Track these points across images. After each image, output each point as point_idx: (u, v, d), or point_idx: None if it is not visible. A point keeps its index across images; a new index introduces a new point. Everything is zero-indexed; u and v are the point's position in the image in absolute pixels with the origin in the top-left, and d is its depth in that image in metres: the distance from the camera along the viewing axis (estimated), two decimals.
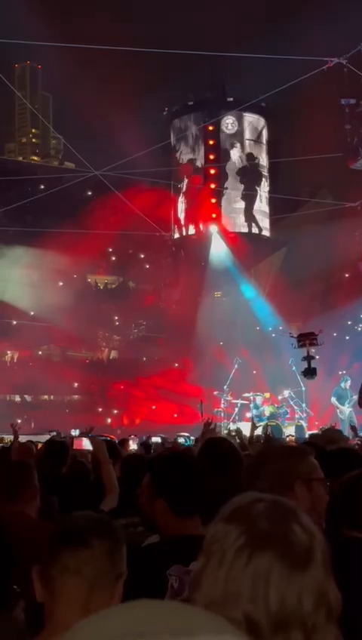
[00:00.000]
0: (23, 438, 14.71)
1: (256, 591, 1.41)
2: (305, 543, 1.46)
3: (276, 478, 2.79)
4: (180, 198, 48.84)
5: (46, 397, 40.33)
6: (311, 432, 20.27)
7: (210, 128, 47.81)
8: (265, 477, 2.80)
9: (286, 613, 1.40)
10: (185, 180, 48.62)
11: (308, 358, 22.46)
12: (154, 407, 39.72)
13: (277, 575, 1.40)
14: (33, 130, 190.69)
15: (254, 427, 16.13)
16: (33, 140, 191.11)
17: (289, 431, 26.25)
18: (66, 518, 2.42)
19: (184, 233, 48.73)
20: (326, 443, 5.44)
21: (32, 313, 40.06)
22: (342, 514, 3.71)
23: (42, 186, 41.68)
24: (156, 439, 15.52)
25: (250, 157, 49.14)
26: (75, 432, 19.93)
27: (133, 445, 16.03)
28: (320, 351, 24.75)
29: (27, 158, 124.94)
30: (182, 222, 48.84)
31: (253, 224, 48.75)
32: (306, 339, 22.58)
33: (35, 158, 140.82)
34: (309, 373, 22.76)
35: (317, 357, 25.22)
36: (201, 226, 47.46)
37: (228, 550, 1.46)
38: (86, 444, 8.16)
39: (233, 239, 46.02)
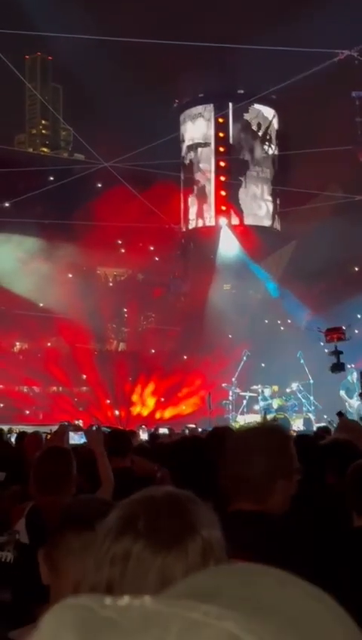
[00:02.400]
0: (30, 429, 14.79)
1: (114, 573, 1.40)
2: (176, 529, 1.44)
3: (263, 470, 2.76)
4: (190, 190, 48.79)
5: (55, 388, 40.38)
6: (318, 425, 20.29)
7: (220, 120, 47.73)
8: (253, 469, 2.78)
9: (145, 592, 1.39)
10: (197, 172, 48.58)
11: (337, 352, 22.42)
12: (162, 399, 39.78)
13: (136, 557, 1.39)
14: (43, 122, 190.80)
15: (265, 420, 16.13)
16: (43, 132, 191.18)
17: (297, 424, 26.30)
18: (71, 501, 2.43)
19: (193, 226, 48.70)
20: (347, 432, 5.41)
21: (41, 305, 40.11)
22: (352, 503, 3.72)
23: (52, 178, 41.66)
24: (164, 430, 15.57)
25: (261, 149, 49.06)
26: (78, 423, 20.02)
27: (143, 435, 16.11)
28: (329, 344, 24.69)
29: (37, 150, 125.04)
30: (192, 214, 48.81)
31: (268, 216, 48.73)
32: (334, 333, 22.56)
33: (45, 149, 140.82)
34: (337, 368, 22.74)
35: (326, 350, 25.24)
36: (211, 219, 47.44)
37: (102, 533, 1.48)
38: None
39: (242, 232, 46.00)
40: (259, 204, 48.82)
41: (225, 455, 2.90)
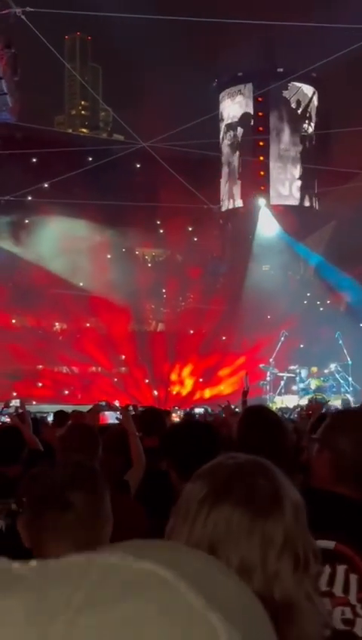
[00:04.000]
0: (69, 409, 14.88)
1: (215, 539, 1.44)
2: (269, 492, 1.50)
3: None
4: (228, 170, 48.57)
5: (93, 368, 40.61)
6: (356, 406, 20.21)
7: (259, 99, 47.42)
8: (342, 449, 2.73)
9: (248, 559, 1.43)
10: (236, 153, 48.35)
11: None
12: (201, 379, 39.84)
13: (236, 523, 1.44)
14: (83, 102, 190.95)
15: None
16: (82, 112, 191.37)
17: (335, 405, 26.20)
18: (45, 473, 2.40)
19: (232, 206, 48.53)
20: None
21: (80, 285, 40.32)
22: None
23: (90, 158, 41.70)
24: (199, 410, 15.59)
25: (300, 128, 48.66)
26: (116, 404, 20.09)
27: (175, 417, 16.14)
28: None
29: (76, 130, 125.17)
30: (231, 194, 48.62)
31: (306, 196, 48.38)
32: None
33: (84, 130, 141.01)
34: None
35: None
36: (250, 199, 47.23)
37: (191, 505, 1.51)
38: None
39: (281, 212, 45.75)
40: (287, 183, 48.44)
41: (330, 431, 2.84)
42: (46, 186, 39.77)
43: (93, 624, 0.48)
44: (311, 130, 49.20)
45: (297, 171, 48.31)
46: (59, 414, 11.73)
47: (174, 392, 39.33)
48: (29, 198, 40.28)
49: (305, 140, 48.91)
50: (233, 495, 1.49)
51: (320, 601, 1.52)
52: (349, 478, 2.63)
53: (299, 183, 48.52)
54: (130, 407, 7.95)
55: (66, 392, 37.45)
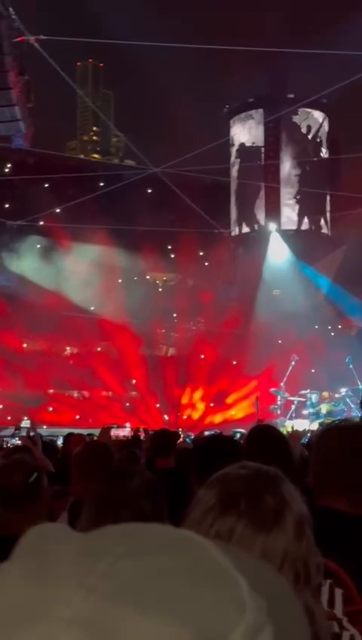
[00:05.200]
0: (79, 433, 14.90)
1: None
2: (273, 507, 1.53)
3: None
4: (239, 195, 48.75)
5: (104, 393, 40.61)
6: None
7: (270, 125, 47.65)
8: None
9: None
10: (246, 178, 48.51)
11: None
12: (212, 404, 39.77)
13: (238, 534, 1.47)
14: (94, 128, 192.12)
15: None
16: (94, 138, 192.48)
17: None
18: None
19: (242, 231, 48.67)
20: None
21: (92, 308, 40.41)
22: None
23: (102, 184, 41.96)
24: (209, 433, 15.56)
25: (313, 153, 48.83)
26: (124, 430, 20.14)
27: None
28: None
29: (88, 156, 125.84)
30: (241, 219, 48.76)
31: (310, 221, 48.44)
32: None
33: (96, 155, 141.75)
34: None
35: None
36: (260, 224, 47.36)
37: (197, 512, 1.54)
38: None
39: (292, 236, 45.84)
40: (298, 208, 48.56)
41: (318, 448, 2.88)
42: (58, 210, 39.98)
43: (131, 567, 0.54)
44: (322, 155, 49.36)
45: (293, 194, 48.37)
46: (68, 438, 11.76)
47: (185, 417, 39.26)
48: (41, 222, 40.54)
49: (316, 165, 49.06)
50: (238, 507, 1.52)
51: (320, 612, 1.55)
52: (335, 492, 2.66)
53: (299, 207, 48.46)
54: (141, 430, 8.01)
55: (77, 417, 37.41)
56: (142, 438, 14.21)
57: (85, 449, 4.83)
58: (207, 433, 16.48)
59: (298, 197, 48.18)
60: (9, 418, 32.60)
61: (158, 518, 2.28)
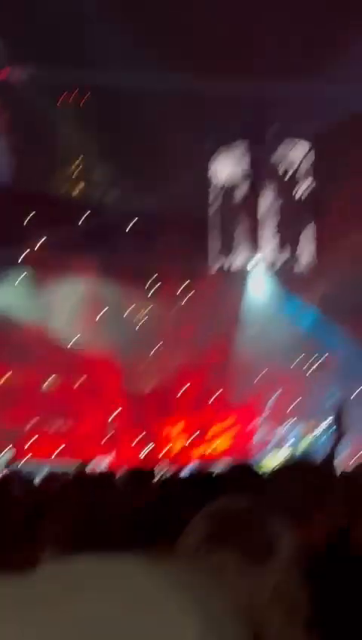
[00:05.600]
0: (59, 468, 14.77)
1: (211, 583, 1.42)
2: (265, 543, 1.53)
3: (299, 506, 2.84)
4: (220, 229, 48.90)
5: (84, 426, 40.40)
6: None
7: (252, 159, 47.90)
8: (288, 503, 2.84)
9: (237, 604, 1.42)
10: (228, 213, 48.70)
11: None
12: (192, 438, 39.66)
13: (231, 569, 1.46)
14: (77, 162, 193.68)
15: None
16: (78, 170, 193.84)
17: None
18: None
19: (224, 265, 48.75)
20: None
21: (72, 341, 40.37)
22: None
23: (84, 217, 42.04)
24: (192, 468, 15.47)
25: (295, 187, 49.08)
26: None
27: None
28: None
29: (72, 188, 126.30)
30: (223, 253, 48.88)
31: (293, 255, 48.58)
32: None
33: (79, 187, 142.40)
34: None
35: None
36: (241, 259, 47.50)
37: (192, 544, 1.55)
38: None
39: (274, 270, 46.02)
40: (275, 241, 48.64)
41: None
42: (40, 243, 40.01)
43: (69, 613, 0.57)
44: (307, 187, 49.60)
45: (290, 230, 48.54)
46: (46, 477, 11.75)
47: (165, 450, 39.11)
48: (23, 255, 40.56)
49: (300, 199, 49.29)
50: (229, 542, 1.53)
51: None
52: None
53: (282, 240, 48.57)
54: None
55: (57, 451, 37.20)
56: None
57: (63, 488, 4.73)
58: (185, 470, 16.34)
59: (280, 230, 48.31)
60: None
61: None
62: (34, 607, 0.55)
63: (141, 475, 7.58)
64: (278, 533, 1.61)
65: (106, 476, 11.62)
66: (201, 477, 4.00)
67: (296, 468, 3.22)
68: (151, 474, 8.69)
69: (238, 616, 0.62)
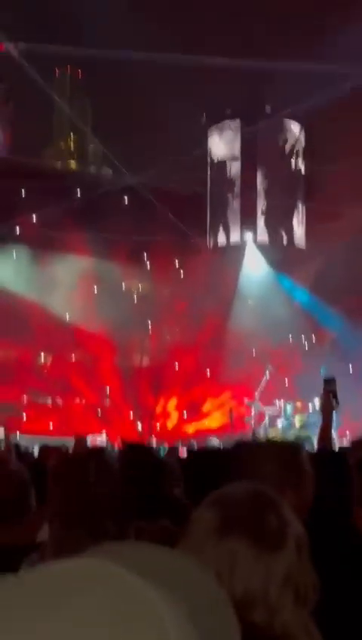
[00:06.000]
0: (53, 442, 14.91)
1: (222, 572, 1.49)
2: (276, 529, 1.55)
3: (268, 482, 2.80)
4: (216, 205, 48.85)
5: (77, 401, 40.51)
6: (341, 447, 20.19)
7: (247, 136, 47.78)
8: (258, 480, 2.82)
9: (251, 592, 1.47)
10: (223, 189, 48.63)
11: None
12: (185, 414, 39.81)
13: (242, 557, 1.48)
14: (72, 135, 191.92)
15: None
16: (71, 145, 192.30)
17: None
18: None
19: (219, 241, 48.74)
20: None
21: (66, 316, 40.33)
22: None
23: (78, 192, 41.87)
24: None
25: (289, 165, 49.00)
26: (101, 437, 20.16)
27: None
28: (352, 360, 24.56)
29: (65, 163, 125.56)
30: (218, 230, 48.86)
31: (285, 233, 48.60)
32: None
33: (73, 162, 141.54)
34: None
35: (351, 365, 25.02)
36: (236, 234, 47.49)
37: (200, 533, 1.55)
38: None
39: (268, 248, 46.01)
40: (266, 220, 48.63)
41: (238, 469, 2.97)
42: (34, 218, 39.86)
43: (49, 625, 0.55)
44: (299, 167, 49.54)
45: (284, 208, 48.49)
46: (43, 450, 11.84)
47: (158, 426, 39.26)
48: (17, 230, 40.43)
49: (291, 177, 49.22)
50: (241, 528, 1.54)
51: (317, 633, 1.57)
52: None
53: (274, 219, 48.54)
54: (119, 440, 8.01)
55: (51, 426, 37.30)
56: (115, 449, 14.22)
57: (63, 464, 4.81)
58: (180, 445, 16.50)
59: (274, 207, 48.27)
60: None
61: (121, 536, 2.28)
62: (19, 614, 0.56)
63: (139, 449, 7.65)
64: (286, 518, 1.61)
65: (105, 451, 11.77)
66: (204, 454, 4.05)
67: (267, 446, 3.24)
68: (150, 449, 8.81)
69: (225, 608, 0.63)
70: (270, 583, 1.50)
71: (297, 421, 28.06)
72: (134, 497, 4.12)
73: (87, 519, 2.27)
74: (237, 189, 48.48)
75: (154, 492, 4.45)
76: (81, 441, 7.89)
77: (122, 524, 2.37)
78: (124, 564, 0.58)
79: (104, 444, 15.72)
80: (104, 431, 27.98)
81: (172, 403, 40.02)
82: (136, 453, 7.34)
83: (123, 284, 46.97)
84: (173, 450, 13.58)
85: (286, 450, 3.09)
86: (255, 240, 46.57)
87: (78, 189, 42.60)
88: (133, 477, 6.67)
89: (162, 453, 13.87)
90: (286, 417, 28.54)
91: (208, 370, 39.58)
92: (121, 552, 0.61)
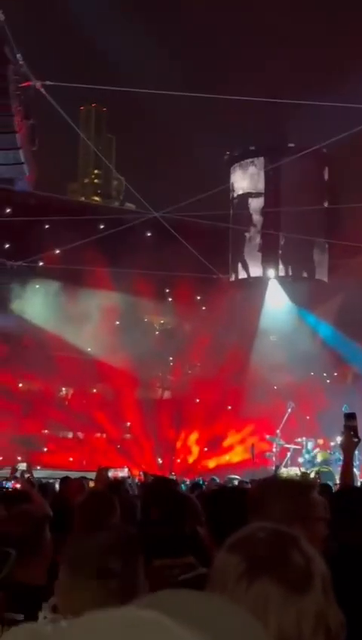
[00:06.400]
0: (74, 475, 14.91)
1: (255, 616, 1.50)
2: (303, 568, 1.54)
3: (277, 517, 2.79)
4: (238, 241, 49.03)
5: (98, 435, 40.50)
6: None
7: (271, 173, 47.98)
8: (268, 516, 2.81)
9: (285, 636, 1.48)
10: (246, 225, 48.82)
11: None
12: (206, 448, 39.65)
13: (275, 599, 1.48)
14: (96, 171, 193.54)
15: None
16: (95, 181, 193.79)
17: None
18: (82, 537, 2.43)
19: (241, 276, 48.84)
20: None
21: (88, 349, 40.44)
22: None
23: (102, 226, 42.17)
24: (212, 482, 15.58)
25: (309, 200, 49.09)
26: (123, 471, 20.10)
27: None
28: None
29: (89, 198, 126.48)
30: (240, 265, 49.00)
31: (307, 268, 48.63)
32: None
33: (97, 198, 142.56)
34: None
35: None
36: (259, 270, 47.58)
37: (228, 578, 1.55)
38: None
39: (290, 283, 46.03)
40: (287, 256, 48.69)
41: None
42: (58, 252, 40.11)
43: None
44: (321, 202, 49.60)
45: (306, 243, 48.53)
46: (65, 482, 11.87)
47: (179, 460, 39.12)
48: (41, 264, 40.72)
49: (314, 212, 49.26)
50: (269, 570, 1.53)
51: None
52: None
53: (295, 255, 48.56)
54: (141, 473, 8.03)
55: (71, 459, 37.27)
56: (137, 481, 14.21)
57: (87, 498, 4.86)
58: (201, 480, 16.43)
59: (293, 244, 48.29)
60: (0, 458, 32.52)
61: (129, 575, 2.25)
62: None
63: (163, 482, 7.65)
64: (309, 554, 1.58)
65: (126, 484, 11.77)
66: (226, 492, 4.06)
67: (280, 483, 3.24)
68: (173, 482, 8.81)
69: None
70: (302, 623, 1.50)
71: (319, 456, 27.86)
72: (155, 535, 4.12)
73: (93, 559, 2.24)
74: (259, 224, 48.65)
75: (178, 530, 4.46)
76: (102, 474, 7.90)
77: (130, 563, 2.33)
78: (174, 615, 0.59)
79: (125, 477, 15.68)
80: (125, 467, 27.83)
81: (193, 437, 39.89)
82: (160, 486, 7.35)
83: (145, 318, 47.16)
84: (195, 486, 13.55)
85: (296, 487, 3.10)
86: (276, 275, 46.65)
87: (102, 225, 42.88)
88: (157, 512, 6.67)
89: (183, 487, 13.83)
90: (307, 453, 28.35)
91: (229, 405, 39.45)
92: (170, 601, 0.62)
